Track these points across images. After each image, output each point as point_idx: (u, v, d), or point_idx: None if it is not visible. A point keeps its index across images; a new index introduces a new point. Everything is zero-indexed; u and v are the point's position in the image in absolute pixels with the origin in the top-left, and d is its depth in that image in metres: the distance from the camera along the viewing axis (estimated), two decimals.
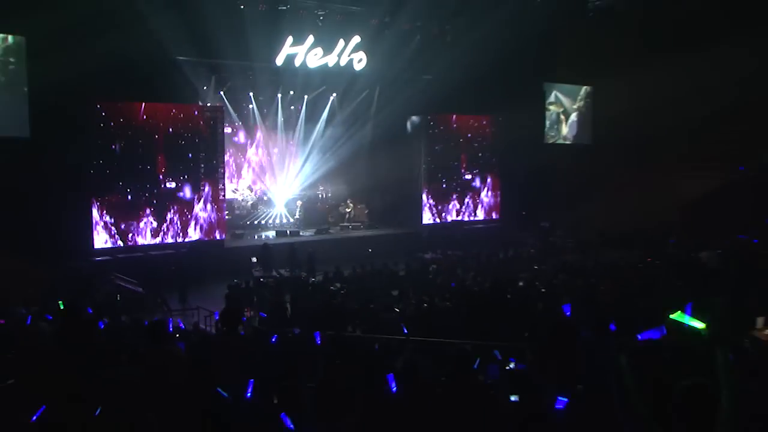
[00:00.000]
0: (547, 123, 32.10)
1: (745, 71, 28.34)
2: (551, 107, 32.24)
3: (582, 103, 33.09)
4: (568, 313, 7.57)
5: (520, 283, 15.65)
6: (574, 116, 32.86)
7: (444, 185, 27.82)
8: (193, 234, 21.66)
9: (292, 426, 4.49)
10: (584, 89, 32.97)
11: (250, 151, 26.48)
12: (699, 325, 3.58)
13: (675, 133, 29.61)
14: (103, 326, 10.33)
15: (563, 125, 32.72)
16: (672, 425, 3.31)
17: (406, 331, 10.58)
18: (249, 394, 5.07)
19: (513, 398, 5.21)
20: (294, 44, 23.60)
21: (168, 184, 21.17)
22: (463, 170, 28.35)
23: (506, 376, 6.59)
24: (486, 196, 29.11)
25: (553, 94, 32.27)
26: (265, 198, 26.13)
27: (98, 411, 4.79)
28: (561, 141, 32.65)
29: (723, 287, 13.21)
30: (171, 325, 8.50)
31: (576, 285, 15.13)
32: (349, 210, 26.97)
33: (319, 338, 8.25)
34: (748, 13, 28.61)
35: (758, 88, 29.53)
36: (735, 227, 21.87)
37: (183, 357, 6.27)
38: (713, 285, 13.61)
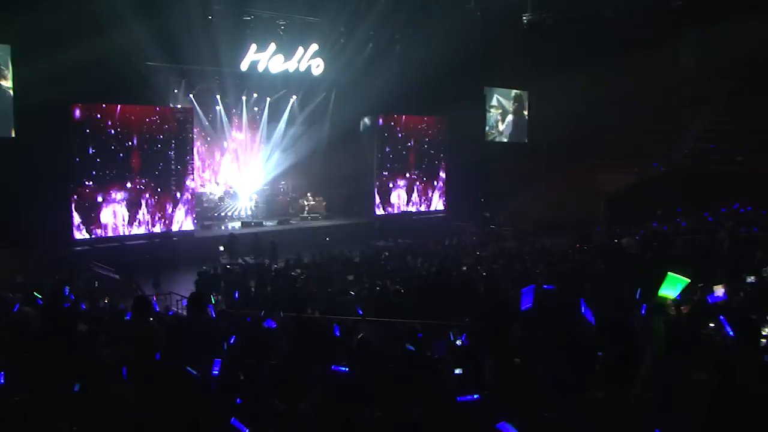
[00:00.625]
0: (489, 123, 32.37)
1: (659, 80, 29.07)
2: (492, 109, 32.51)
3: (518, 105, 33.45)
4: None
5: (464, 268, 15.78)
6: (510, 117, 33.21)
7: (395, 179, 27.86)
8: (166, 225, 21.37)
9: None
10: (520, 93, 33.33)
11: (217, 150, 26.17)
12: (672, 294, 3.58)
13: (600, 134, 30.24)
14: (82, 310, 10.18)
15: (501, 125, 33.04)
16: (597, 387, 3.40)
17: (361, 312, 10.58)
18: (216, 372, 5.00)
19: (457, 371, 5.25)
20: (257, 51, 23.46)
21: (142, 180, 20.82)
22: (412, 166, 28.41)
23: (452, 351, 6.64)
24: (433, 189, 29.23)
25: (494, 98, 32.54)
26: (231, 192, 25.89)
27: (77, 388, 4.70)
28: (499, 139, 32.94)
29: (641, 268, 13.49)
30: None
31: (514, 269, 15.32)
32: (308, 202, 26.87)
33: (272, 323, 8.16)
34: (660, 27, 29.37)
35: (670, 94, 30.32)
36: (650, 216, 22.40)
37: (162, 333, 6.19)
38: (633, 267, 13.89)
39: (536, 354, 3.47)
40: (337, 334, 7.58)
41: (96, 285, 16.16)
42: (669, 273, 3.57)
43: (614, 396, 3.29)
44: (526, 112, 33.55)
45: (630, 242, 17.04)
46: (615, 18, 28.87)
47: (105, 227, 20.13)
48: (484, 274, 14.97)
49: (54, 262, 17.34)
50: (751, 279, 11.40)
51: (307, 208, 26.76)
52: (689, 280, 3.58)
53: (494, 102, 32.56)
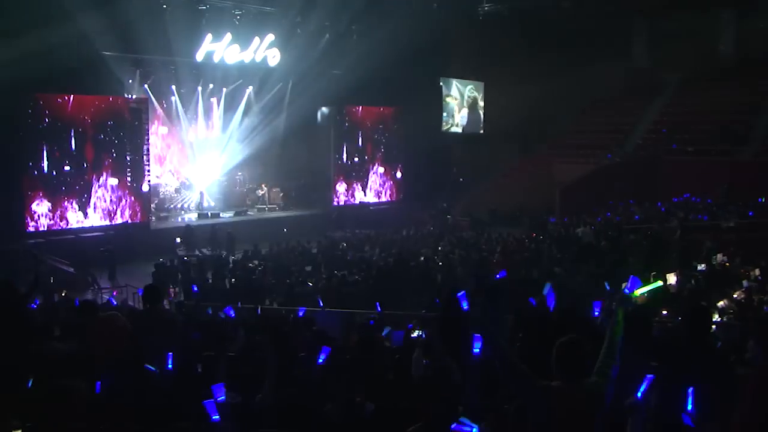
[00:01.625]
0: (445, 114, 32.46)
1: (612, 71, 29.55)
2: (448, 99, 32.61)
3: (474, 96, 33.62)
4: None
5: (421, 258, 15.85)
6: (466, 108, 33.37)
7: (351, 170, 27.80)
8: (121, 217, 20.97)
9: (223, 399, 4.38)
10: (476, 84, 33.50)
11: (173, 140, 25.72)
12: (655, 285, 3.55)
13: (555, 124, 30.60)
14: (36, 304, 9.96)
15: (457, 115, 33.18)
16: (552, 375, 3.42)
17: (321, 303, 10.55)
18: (169, 366, 4.91)
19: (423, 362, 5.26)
20: (213, 41, 23.14)
21: (96, 171, 20.37)
22: (368, 156, 28.38)
23: (412, 342, 6.65)
24: (390, 179, 29.24)
25: (451, 88, 32.63)
26: (186, 183, 25.52)
27: (30, 383, 4.58)
28: (455, 129, 33.06)
29: (595, 257, 13.74)
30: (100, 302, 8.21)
31: (470, 258, 15.45)
32: (263, 192, 26.63)
33: (231, 312, 8.08)
34: (612, 19, 29.85)
35: (623, 85, 30.87)
36: (604, 206, 22.77)
37: (127, 325, 6.03)
38: (587, 255, 14.13)
39: (491, 343, 3.47)
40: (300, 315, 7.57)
41: (51, 278, 15.80)
42: (657, 279, 3.59)
43: (569, 384, 3.32)
44: (481, 103, 33.76)
45: (585, 232, 17.35)
46: (570, 10, 29.21)
47: (59, 219, 19.69)
48: (441, 263, 15.08)
49: (6, 255, 16.89)
50: (701, 267, 11.74)
51: (263, 199, 26.55)
52: (662, 284, 3.61)
53: (451, 93, 32.67)
